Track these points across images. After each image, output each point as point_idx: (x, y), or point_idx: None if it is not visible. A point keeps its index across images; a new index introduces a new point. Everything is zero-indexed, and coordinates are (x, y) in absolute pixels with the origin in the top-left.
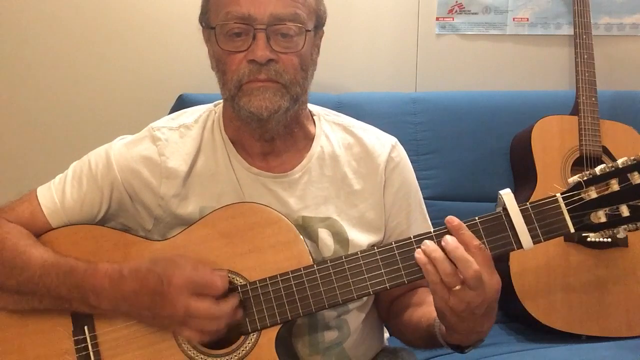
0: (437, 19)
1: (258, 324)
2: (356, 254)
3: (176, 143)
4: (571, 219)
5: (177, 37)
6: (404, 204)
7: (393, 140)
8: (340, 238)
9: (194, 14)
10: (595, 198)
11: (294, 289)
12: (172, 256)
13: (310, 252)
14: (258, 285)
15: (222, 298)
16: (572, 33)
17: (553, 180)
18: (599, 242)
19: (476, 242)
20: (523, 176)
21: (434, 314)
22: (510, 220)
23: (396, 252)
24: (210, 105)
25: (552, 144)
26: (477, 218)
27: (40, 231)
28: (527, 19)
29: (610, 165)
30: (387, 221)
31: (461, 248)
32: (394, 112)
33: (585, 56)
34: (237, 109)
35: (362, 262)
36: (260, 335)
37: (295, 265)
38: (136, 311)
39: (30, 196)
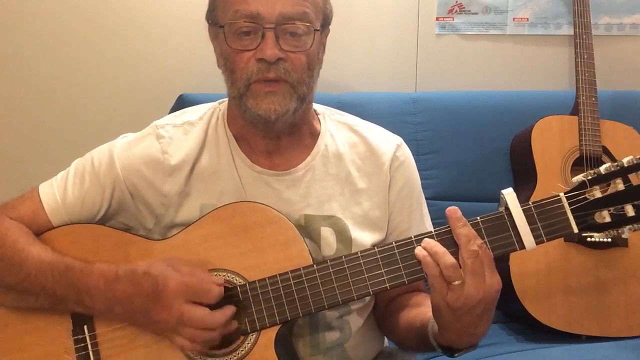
0: (437, 19)
1: (257, 324)
2: (356, 253)
3: (180, 140)
4: (575, 219)
5: (177, 37)
6: (407, 203)
7: (398, 139)
8: (343, 237)
9: (194, 13)
10: (600, 198)
11: (294, 289)
12: (169, 259)
13: (310, 252)
14: (257, 285)
15: (217, 307)
16: (572, 33)
17: (553, 180)
18: (599, 242)
19: (479, 241)
20: (523, 176)
21: (429, 314)
22: (513, 220)
23: (396, 251)
24: (214, 103)
25: (552, 144)
26: (479, 218)
27: (41, 229)
28: (527, 19)
29: (615, 164)
30: (389, 220)
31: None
32: (394, 112)
33: (585, 56)
34: (243, 109)
35: (362, 261)
36: (259, 336)
37: (294, 265)
38: (129, 314)
39: (32, 193)
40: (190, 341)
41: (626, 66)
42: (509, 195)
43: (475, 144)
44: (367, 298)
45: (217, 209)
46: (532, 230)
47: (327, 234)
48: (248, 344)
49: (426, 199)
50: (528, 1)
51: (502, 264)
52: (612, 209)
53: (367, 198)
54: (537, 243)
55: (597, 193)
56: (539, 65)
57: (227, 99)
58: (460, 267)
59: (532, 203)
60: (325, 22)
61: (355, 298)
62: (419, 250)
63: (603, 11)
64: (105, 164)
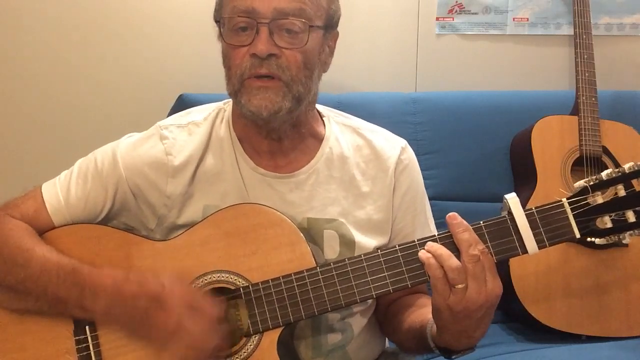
0: (437, 19)
1: (260, 326)
2: (360, 256)
3: (184, 141)
4: (577, 224)
5: (177, 37)
6: (411, 207)
7: (403, 142)
8: (346, 240)
9: (194, 13)
10: (602, 203)
11: (297, 291)
12: (178, 275)
13: (313, 255)
14: (260, 287)
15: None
16: (572, 33)
17: (553, 181)
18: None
19: (480, 246)
20: (523, 176)
21: (429, 316)
22: (516, 225)
23: (400, 254)
24: (219, 103)
25: (552, 144)
26: (482, 222)
27: (43, 229)
28: (527, 19)
29: (616, 170)
30: (393, 223)
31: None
32: (394, 112)
33: (585, 56)
34: (239, 105)
35: (365, 264)
36: (262, 338)
37: (297, 267)
38: (128, 316)
39: (35, 193)
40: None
41: (626, 66)
42: (512, 199)
43: (475, 144)
44: (370, 300)
45: (220, 210)
46: (534, 235)
47: (330, 237)
48: (250, 345)
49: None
50: (528, 1)
51: (502, 264)
52: (613, 214)
53: (370, 202)
54: (539, 248)
55: (599, 199)
56: (539, 65)
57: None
58: None
59: (535, 208)
60: (329, 22)
61: (359, 301)
62: (422, 253)
63: (603, 11)
64: (109, 164)
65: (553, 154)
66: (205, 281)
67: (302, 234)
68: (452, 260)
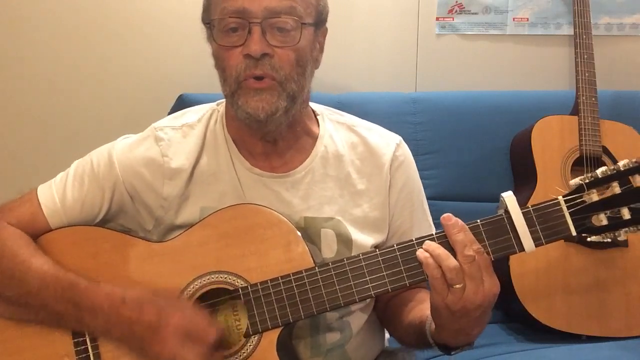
0: (437, 19)
1: (259, 326)
2: (358, 256)
3: (179, 143)
4: (573, 222)
5: (177, 37)
6: (408, 203)
7: (397, 138)
8: (343, 238)
9: (194, 13)
10: (597, 201)
11: (295, 291)
12: (175, 295)
13: (311, 254)
14: (259, 287)
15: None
16: (572, 33)
17: (553, 180)
18: (599, 242)
19: (475, 245)
20: (523, 176)
21: (428, 312)
22: (512, 223)
23: (398, 254)
24: (213, 104)
25: (552, 144)
26: (479, 221)
27: (39, 232)
28: (527, 19)
29: (611, 167)
30: (390, 220)
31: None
32: (394, 112)
33: (585, 56)
34: (235, 107)
35: (363, 264)
36: (261, 338)
37: (296, 267)
38: (126, 339)
39: (30, 195)
40: None
41: (626, 66)
42: (509, 198)
43: (475, 144)
44: (368, 299)
45: (217, 211)
46: (531, 233)
47: (328, 236)
48: (250, 346)
49: (426, 199)
50: (528, 1)
51: (502, 264)
52: (608, 211)
53: (367, 199)
54: (536, 245)
55: (595, 196)
56: (539, 65)
57: (225, 100)
58: None
59: (531, 206)
60: (319, 19)
61: (357, 300)
62: (420, 252)
63: (603, 11)
64: (105, 165)
65: (553, 154)
66: (204, 282)
67: (300, 234)
68: (450, 261)
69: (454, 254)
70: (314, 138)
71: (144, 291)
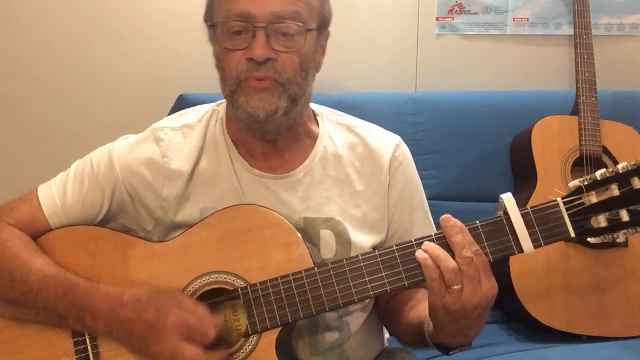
0: (437, 19)
1: (258, 326)
2: (357, 256)
3: (179, 143)
4: (572, 223)
5: (177, 37)
6: (407, 204)
7: (397, 139)
8: (342, 239)
9: (194, 13)
10: (596, 203)
11: (295, 291)
12: (174, 292)
13: (310, 255)
14: (258, 287)
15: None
16: (572, 33)
17: (553, 181)
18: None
19: (474, 247)
20: (523, 176)
21: (426, 312)
22: (511, 224)
23: (397, 254)
24: (213, 105)
25: (552, 144)
26: (478, 222)
27: (39, 232)
28: (527, 19)
29: (610, 170)
30: (390, 221)
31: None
32: (394, 112)
33: (585, 56)
34: (235, 107)
35: (362, 264)
36: (260, 338)
37: (295, 267)
38: (128, 339)
39: (30, 196)
40: None
41: (626, 66)
42: (508, 199)
43: (475, 144)
44: (367, 300)
45: (218, 211)
46: (530, 234)
47: (327, 237)
48: (249, 346)
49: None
50: (528, 1)
51: (502, 264)
52: (607, 213)
53: (365, 200)
54: (535, 247)
55: (593, 198)
56: (539, 65)
57: (225, 100)
58: None
59: (530, 208)
60: (323, 23)
61: (357, 301)
62: (419, 253)
63: (603, 11)
64: (105, 166)
65: (553, 154)
66: (204, 282)
67: (299, 235)
68: (448, 262)
69: (453, 255)
70: (314, 138)
71: (143, 290)
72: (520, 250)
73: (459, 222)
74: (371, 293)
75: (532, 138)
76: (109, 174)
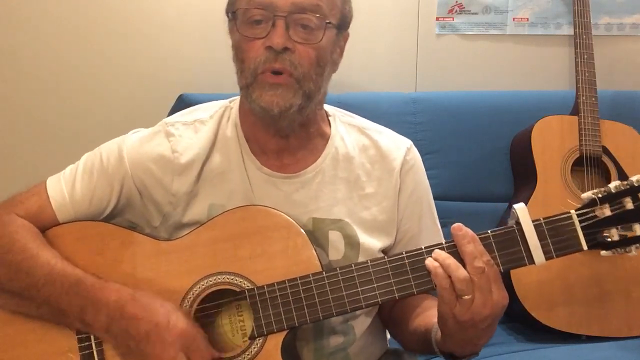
0: (437, 19)
1: (264, 329)
2: (366, 262)
3: (190, 139)
4: (584, 236)
5: (177, 37)
6: (417, 208)
7: (408, 143)
8: (351, 241)
9: (194, 13)
10: (609, 216)
11: (302, 295)
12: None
13: (319, 259)
14: (265, 289)
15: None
16: (572, 33)
17: (553, 181)
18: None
19: (485, 257)
20: (523, 176)
21: (434, 319)
22: (523, 235)
23: (406, 261)
24: (225, 101)
25: (552, 144)
26: (489, 231)
27: (47, 225)
28: (527, 19)
29: (624, 183)
30: (398, 225)
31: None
32: (394, 112)
33: (585, 56)
34: (250, 100)
35: (371, 270)
36: (266, 340)
37: (303, 271)
38: (125, 337)
39: (39, 188)
40: None
41: (626, 66)
42: (521, 210)
43: (475, 144)
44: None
45: (227, 211)
46: (542, 246)
47: (335, 238)
48: (254, 348)
49: None
50: (528, 1)
51: None
52: (620, 227)
53: (375, 203)
54: (546, 259)
55: (607, 211)
56: (539, 65)
57: (238, 97)
58: None
59: (543, 219)
60: (343, 22)
61: (364, 306)
62: (429, 262)
63: (603, 11)
64: (114, 160)
65: (553, 154)
66: (210, 282)
67: (308, 238)
68: (460, 271)
69: (464, 265)
70: (326, 139)
71: (153, 294)
72: (532, 262)
73: (470, 231)
74: (379, 300)
75: (532, 138)
76: (118, 169)
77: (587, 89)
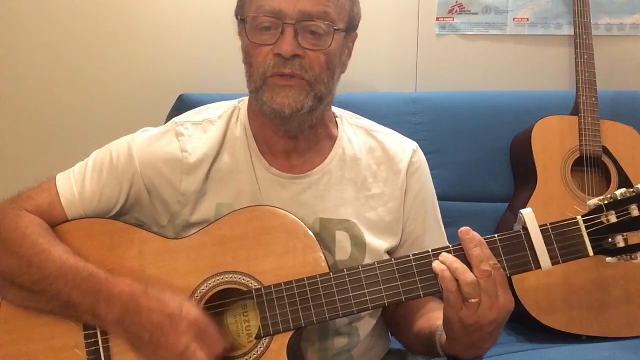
0: (437, 19)
1: (271, 329)
2: (373, 264)
3: (199, 138)
4: (591, 242)
5: (177, 37)
6: (421, 210)
7: (414, 144)
8: (357, 241)
9: (194, 14)
10: (615, 222)
11: (309, 295)
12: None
13: (326, 260)
14: (272, 289)
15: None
16: (572, 33)
17: (553, 181)
18: None
19: (492, 261)
20: (523, 176)
21: (438, 322)
22: (530, 240)
23: (413, 264)
24: (234, 102)
25: (552, 144)
26: (496, 235)
27: (56, 222)
28: (527, 19)
29: (631, 190)
30: (404, 225)
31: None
32: (394, 112)
33: (585, 56)
34: (260, 103)
35: (378, 272)
36: (271, 341)
37: (310, 271)
38: (138, 329)
39: (49, 184)
40: None
41: (626, 66)
42: (528, 215)
43: (475, 144)
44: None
45: (235, 211)
46: (548, 251)
47: (342, 238)
48: (260, 348)
49: None
50: (528, 1)
51: None
52: (626, 234)
53: (381, 203)
54: (552, 264)
55: (613, 217)
56: (539, 65)
57: (246, 97)
58: None
59: (550, 224)
60: (351, 24)
61: (370, 308)
62: (436, 264)
63: (603, 11)
64: (124, 158)
65: (553, 154)
66: (217, 281)
67: (315, 239)
68: (467, 275)
69: (470, 268)
70: (333, 140)
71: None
72: (538, 267)
73: (477, 235)
74: (385, 301)
75: (532, 138)
76: (128, 167)
77: (587, 89)
